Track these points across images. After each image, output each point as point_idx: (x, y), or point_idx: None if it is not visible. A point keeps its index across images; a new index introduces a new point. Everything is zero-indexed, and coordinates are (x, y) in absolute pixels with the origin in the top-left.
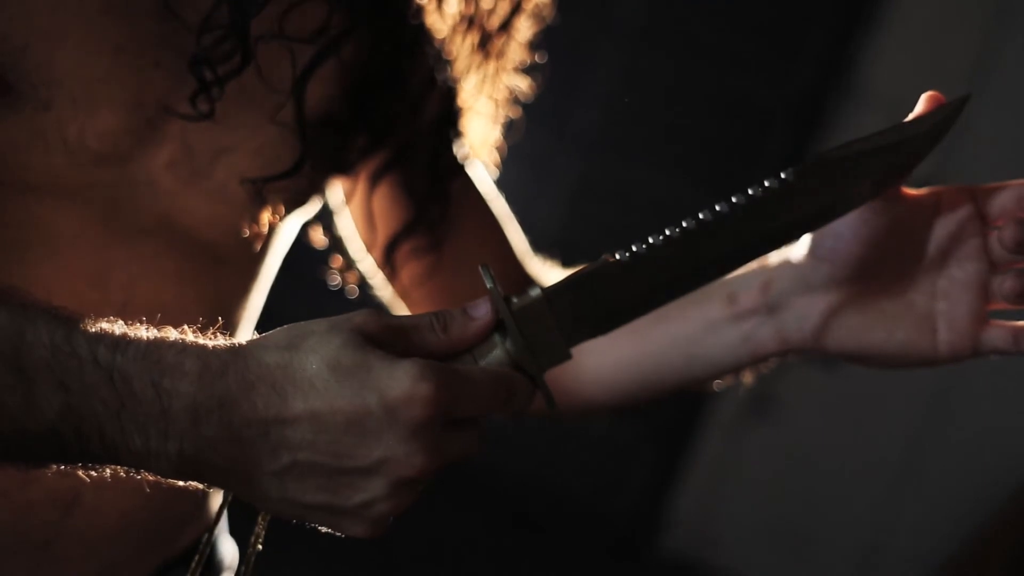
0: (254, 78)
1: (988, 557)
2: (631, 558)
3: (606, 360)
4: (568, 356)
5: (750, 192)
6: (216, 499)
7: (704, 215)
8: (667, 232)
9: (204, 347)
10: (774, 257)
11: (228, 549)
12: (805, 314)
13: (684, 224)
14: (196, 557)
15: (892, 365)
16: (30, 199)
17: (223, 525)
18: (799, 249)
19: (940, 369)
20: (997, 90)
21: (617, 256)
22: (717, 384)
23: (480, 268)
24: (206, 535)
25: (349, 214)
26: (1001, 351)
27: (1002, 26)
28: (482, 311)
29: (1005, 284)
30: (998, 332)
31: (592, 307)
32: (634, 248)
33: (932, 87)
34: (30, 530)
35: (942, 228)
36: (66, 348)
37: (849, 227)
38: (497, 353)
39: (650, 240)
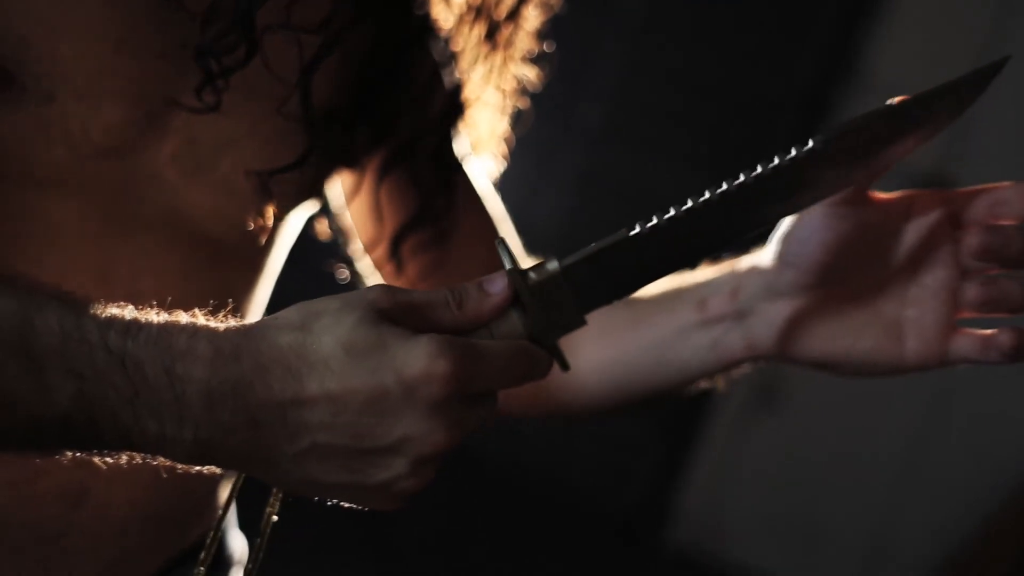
0: (260, 69)
1: (993, 552)
2: (638, 550)
3: (578, 366)
4: (583, 323)
5: (775, 162)
6: (225, 492)
7: (725, 187)
8: (688, 204)
9: (216, 330)
10: (744, 262)
11: (238, 544)
12: (771, 320)
13: (704, 196)
14: (205, 549)
15: (859, 373)
16: (34, 193)
17: (232, 519)
18: (767, 255)
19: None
20: (1001, 81)
21: (638, 228)
22: (692, 389)
23: (496, 242)
24: (214, 527)
25: (352, 211)
26: (970, 360)
27: (1007, 15)
28: (498, 287)
29: (970, 292)
30: (967, 341)
31: (609, 277)
32: (655, 219)
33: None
34: (39, 523)
35: (913, 233)
36: (76, 334)
37: (814, 233)
38: (514, 327)
39: (671, 211)
